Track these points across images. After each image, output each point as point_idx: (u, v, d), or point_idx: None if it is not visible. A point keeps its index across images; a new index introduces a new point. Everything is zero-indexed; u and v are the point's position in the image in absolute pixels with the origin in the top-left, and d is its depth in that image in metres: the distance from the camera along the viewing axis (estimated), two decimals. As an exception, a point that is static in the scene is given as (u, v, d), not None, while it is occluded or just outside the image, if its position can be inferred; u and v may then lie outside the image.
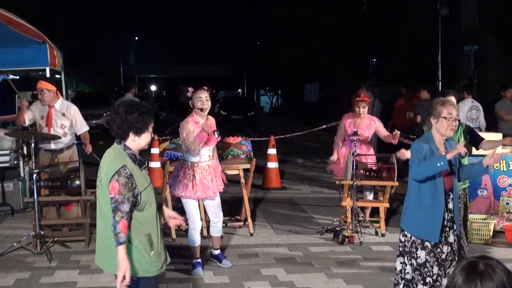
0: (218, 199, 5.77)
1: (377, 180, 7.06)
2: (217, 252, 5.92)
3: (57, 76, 9.54)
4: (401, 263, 4.25)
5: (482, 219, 6.78)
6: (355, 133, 6.81)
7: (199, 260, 5.74)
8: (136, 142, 3.54)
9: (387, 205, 7.06)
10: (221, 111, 27.48)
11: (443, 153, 4.04)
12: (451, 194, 4.20)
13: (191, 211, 5.65)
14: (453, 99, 5.33)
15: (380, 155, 7.39)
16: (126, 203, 3.37)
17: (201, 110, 5.46)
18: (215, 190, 5.66)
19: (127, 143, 3.53)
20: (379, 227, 7.01)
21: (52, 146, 6.95)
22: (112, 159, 3.50)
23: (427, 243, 4.13)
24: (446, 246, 4.20)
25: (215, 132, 5.48)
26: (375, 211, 7.44)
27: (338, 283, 5.39)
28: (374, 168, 7.11)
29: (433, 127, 4.18)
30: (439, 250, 4.15)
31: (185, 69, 66.81)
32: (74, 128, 7.05)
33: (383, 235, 6.92)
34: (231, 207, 7.58)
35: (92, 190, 6.84)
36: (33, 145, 6.33)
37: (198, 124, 5.48)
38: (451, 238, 4.23)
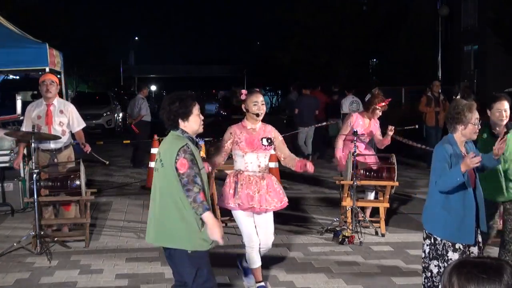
0: (267, 217, 5.01)
1: (377, 180, 7.06)
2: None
3: (57, 76, 9.55)
4: (435, 266, 4.20)
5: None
6: (355, 133, 6.80)
7: (263, 283, 5.10)
8: (188, 126, 3.91)
9: (387, 205, 7.06)
10: (221, 111, 27.49)
11: (461, 161, 4.00)
12: (476, 192, 4.19)
13: (242, 225, 4.98)
14: (506, 103, 5.15)
15: (380, 155, 7.38)
16: (197, 176, 3.74)
17: (257, 115, 4.98)
18: (262, 203, 4.88)
19: (182, 128, 3.91)
20: (379, 227, 7.01)
21: (52, 145, 6.93)
22: (172, 141, 3.87)
23: (458, 245, 4.11)
24: (476, 246, 4.18)
25: (264, 140, 4.95)
26: (375, 211, 7.44)
27: (338, 283, 5.39)
28: (374, 168, 7.11)
29: (458, 131, 4.18)
30: (467, 250, 4.13)
31: (185, 69, 66.85)
32: (71, 125, 7.03)
33: (383, 235, 6.92)
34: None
35: (92, 190, 6.85)
36: (33, 145, 6.32)
37: (246, 129, 5.02)
38: (479, 238, 4.23)
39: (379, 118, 7.24)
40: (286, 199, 5.09)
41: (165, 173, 3.82)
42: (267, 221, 5.01)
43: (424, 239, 4.29)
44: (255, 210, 4.90)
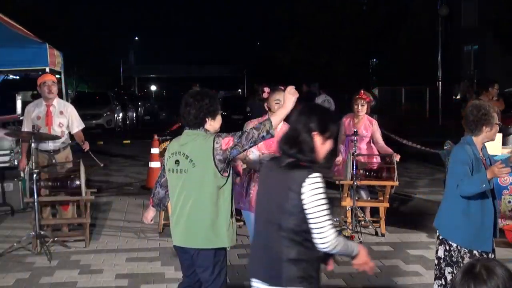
0: None
1: (377, 180, 7.05)
2: None
3: (57, 76, 9.55)
4: (449, 273, 4.09)
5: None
6: (355, 133, 6.80)
7: None
8: (213, 125, 3.72)
9: (387, 205, 7.05)
10: (221, 111, 27.47)
11: (486, 167, 3.95)
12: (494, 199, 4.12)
13: (249, 226, 4.93)
14: None
15: (380, 155, 7.37)
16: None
17: None
18: None
19: (206, 127, 3.69)
20: (379, 227, 7.00)
21: (51, 146, 6.91)
22: (197, 138, 3.63)
23: (475, 252, 4.02)
24: (491, 253, 4.10)
25: None
26: (375, 211, 7.43)
27: (338, 283, 5.39)
28: (374, 168, 7.10)
29: (482, 133, 4.04)
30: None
31: (185, 69, 66.76)
32: (70, 127, 7.01)
33: (383, 235, 6.92)
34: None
35: (92, 190, 6.85)
36: (33, 145, 6.31)
37: None
38: (494, 245, 4.14)
39: (377, 120, 7.29)
40: None
41: (200, 173, 3.59)
42: None
43: (438, 244, 4.16)
44: None
